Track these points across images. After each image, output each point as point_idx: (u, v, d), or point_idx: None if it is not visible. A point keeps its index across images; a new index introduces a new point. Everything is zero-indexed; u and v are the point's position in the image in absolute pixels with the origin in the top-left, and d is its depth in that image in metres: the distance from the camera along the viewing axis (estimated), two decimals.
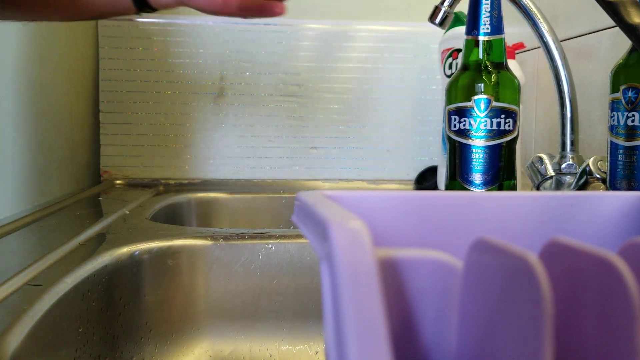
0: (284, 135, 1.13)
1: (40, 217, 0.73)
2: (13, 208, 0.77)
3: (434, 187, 1.01)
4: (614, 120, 0.56)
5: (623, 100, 0.54)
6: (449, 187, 0.62)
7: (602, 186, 0.62)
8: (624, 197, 0.31)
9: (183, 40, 1.11)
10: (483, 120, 0.59)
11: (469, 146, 0.59)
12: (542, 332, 0.19)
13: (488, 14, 0.59)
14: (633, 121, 0.54)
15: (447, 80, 0.64)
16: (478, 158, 0.59)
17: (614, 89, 0.56)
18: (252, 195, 1.03)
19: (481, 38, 0.60)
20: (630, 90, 0.54)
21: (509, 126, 0.59)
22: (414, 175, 1.12)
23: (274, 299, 0.63)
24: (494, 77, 0.60)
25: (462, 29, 0.64)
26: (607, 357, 0.21)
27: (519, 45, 0.96)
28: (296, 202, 0.29)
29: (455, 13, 0.78)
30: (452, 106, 0.61)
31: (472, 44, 0.60)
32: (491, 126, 0.59)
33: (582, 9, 0.83)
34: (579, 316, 0.22)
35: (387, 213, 0.30)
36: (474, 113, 0.59)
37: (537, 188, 0.71)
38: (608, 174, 0.57)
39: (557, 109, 0.71)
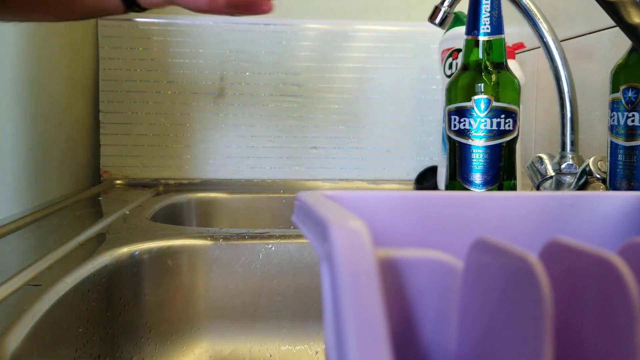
0: (284, 135, 1.13)
1: (40, 217, 0.73)
2: (13, 208, 0.77)
3: (434, 187, 1.01)
4: (614, 120, 0.56)
5: (623, 100, 0.54)
6: (449, 187, 0.62)
7: (602, 186, 0.62)
8: (624, 197, 0.31)
9: (183, 40, 1.11)
10: (483, 120, 0.59)
11: (469, 146, 0.59)
12: (542, 332, 0.19)
13: (488, 14, 0.59)
14: (633, 121, 0.54)
15: (447, 80, 0.64)
16: (478, 158, 0.59)
17: (614, 89, 0.56)
18: (252, 195, 1.03)
19: (481, 38, 0.60)
20: (630, 90, 0.54)
21: (509, 126, 0.59)
22: (414, 175, 1.12)
23: (274, 299, 0.63)
24: (494, 77, 0.60)
25: (462, 29, 0.64)
26: (607, 357, 0.21)
27: (519, 45, 0.96)
28: (296, 202, 0.29)
29: (455, 13, 0.78)
30: (452, 106, 0.61)
31: (472, 44, 0.60)
32: (491, 126, 0.59)
33: (582, 9, 0.83)
34: (579, 316, 0.22)
35: (387, 213, 0.30)
36: (474, 113, 0.59)
37: (537, 188, 0.71)
38: (608, 174, 0.57)
39: (557, 109, 0.71)
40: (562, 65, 0.69)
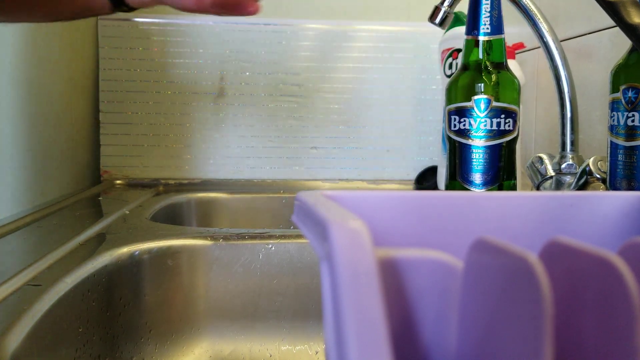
0: (284, 135, 1.13)
1: (40, 217, 0.73)
2: (13, 208, 0.77)
3: (434, 187, 1.01)
4: (614, 120, 0.56)
5: (623, 100, 0.54)
6: (449, 187, 0.62)
7: (602, 186, 0.62)
8: (624, 197, 0.31)
9: (183, 40, 1.11)
10: (483, 120, 0.59)
11: (469, 146, 0.59)
12: (542, 332, 0.19)
13: (488, 14, 0.59)
14: (633, 121, 0.54)
15: (447, 80, 0.64)
16: (478, 158, 0.59)
17: (614, 89, 0.56)
18: (252, 195, 1.03)
19: (481, 38, 0.60)
20: (630, 90, 0.54)
21: (509, 126, 0.59)
22: (414, 175, 1.12)
23: (274, 299, 0.63)
24: (494, 77, 0.60)
25: (462, 29, 0.64)
26: (607, 357, 0.21)
27: (519, 45, 0.96)
28: (296, 202, 0.29)
29: (455, 13, 0.78)
30: (452, 106, 0.61)
31: (472, 44, 0.60)
32: (491, 126, 0.59)
33: (582, 9, 0.83)
34: (579, 316, 0.22)
35: (387, 213, 0.30)
36: (474, 113, 0.59)
37: (537, 188, 0.71)
38: (608, 174, 0.57)
39: (557, 109, 0.71)
40: (562, 65, 0.69)
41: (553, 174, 0.70)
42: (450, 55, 0.92)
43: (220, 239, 0.62)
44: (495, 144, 0.59)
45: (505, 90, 0.60)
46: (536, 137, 0.99)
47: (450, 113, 0.61)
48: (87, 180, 1.08)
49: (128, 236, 0.62)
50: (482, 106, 0.59)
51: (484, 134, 0.59)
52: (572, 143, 0.70)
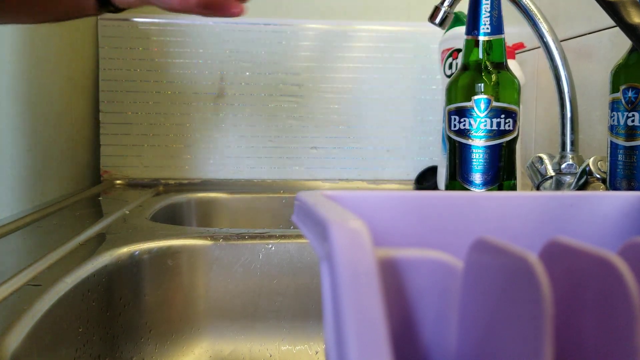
0: (284, 135, 1.13)
1: (40, 217, 0.73)
2: (13, 208, 0.77)
3: (434, 187, 1.01)
4: (614, 120, 0.56)
5: (623, 100, 0.54)
6: (449, 187, 0.62)
7: (602, 186, 0.62)
8: (624, 197, 0.31)
9: (183, 40, 1.11)
10: (483, 120, 0.59)
11: (469, 146, 0.59)
12: (542, 332, 0.19)
13: (488, 14, 0.59)
14: (633, 121, 0.54)
15: (447, 80, 0.64)
16: (478, 158, 0.59)
17: (614, 89, 0.56)
18: (252, 195, 1.03)
19: (481, 38, 0.60)
20: (630, 90, 0.54)
21: (509, 126, 0.59)
22: (414, 175, 1.12)
23: (274, 299, 0.63)
24: (494, 77, 0.60)
25: (462, 29, 0.64)
26: (607, 357, 0.21)
27: (519, 45, 0.96)
28: (296, 202, 0.29)
29: (455, 13, 0.78)
30: (452, 106, 0.61)
31: (472, 44, 0.60)
32: (491, 126, 0.59)
33: (582, 9, 0.83)
34: (579, 316, 0.22)
35: (387, 213, 0.30)
36: (474, 113, 0.59)
37: (537, 188, 0.71)
38: (608, 174, 0.57)
39: (557, 109, 0.71)
40: (562, 65, 0.69)
41: (553, 174, 0.70)
42: (450, 55, 0.92)
43: (220, 239, 0.62)
44: (495, 144, 0.59)
45: (505, 90, 0.60)
46: (536, 137, 0.99)
47: (450, 113, 0.61)
48: (87, 180, 1.08)
49: (128, 236, 0.62)
50: (482, 106, 0.59)
51: (484, 134, 0.59)
52: (572, 143, 0.70)
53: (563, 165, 0.69)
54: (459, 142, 0.60)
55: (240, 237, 0.63)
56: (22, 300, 0.42)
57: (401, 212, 0.30)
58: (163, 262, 0.60)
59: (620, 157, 0.55)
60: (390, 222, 0.30)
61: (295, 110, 1.13)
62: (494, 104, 0.59)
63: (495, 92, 0.59)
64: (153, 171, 1.11)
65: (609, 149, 0.57)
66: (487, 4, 0.59)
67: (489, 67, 0.60)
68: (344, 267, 0.20)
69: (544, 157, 0.72)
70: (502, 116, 0.59)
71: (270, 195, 1.03)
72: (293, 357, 0.62)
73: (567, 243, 0.23)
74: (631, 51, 0.55)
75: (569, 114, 0.70)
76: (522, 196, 0.31)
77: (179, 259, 0.61)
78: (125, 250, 0.58)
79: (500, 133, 0.59)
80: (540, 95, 0.97)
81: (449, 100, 0.61)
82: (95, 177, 1.11)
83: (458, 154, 0.60)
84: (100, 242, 0.61)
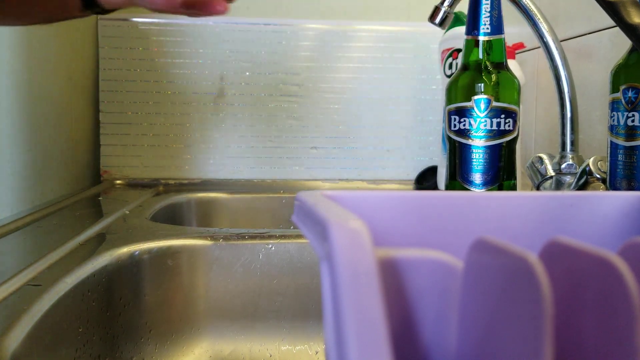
0: (284, 135, 1.13)
1: (40, 217, 0.73)
2: (13, 208, 0.77)
3: (434, 187, 1.01)
4: (614, 120, 0.56)
5: (623, 100, 0.54)
6: (449, 187, 0.62)
7: (602, 186, 0.62)
8: (624, 197, 0.31)
9: (183, 40, 1.11)
10: (483, 120, 0.59)
11: (469, 146, 0.59)
12: (542, 332, 0.19)
13: (488, 14, 0.59)
14: (633, 121, 0.54)
15: (447, 80, 0.64)
16: (478, 158, 0.59)
17: (614, 89, 0.56)
18: (252, 195, 1.03)
19: (481, 38, 0.60)
20: (630, 90, 0.54)
21: (509, 126, 0.59)
22: (414, 175, 1.12)
23: (274, 299, 0.63)
24: (494, 77, 0.60)
25: (462, 29, 0.64)
26: (607, 357, 0.21)
27: (519, 45, 0.96)
28: (296, 202, 0.29)
29: (455, 13, 0.78)
30: (452, 106, 0.61)
31: (472, 44, 0.60)
32: (491, 126, 0.59)
33: (582, 9, 0.83)
34: (579, 316, 0.22)
35: (387, 213, 0.30)
36: (474, 113, 0.59)
37: (537, 188, 0.71)
38: (608, 174, 0.57)
39: (557, 109, 0.71)
40: (562, 65, 0.69)
41: (553, 174, 0.70)
42: (450, 55, 0.92)
43: (220, 239, 0.62)
44: (495, 144, 0.59)
45: (505, 90, 0.60)
46: (536, 137, 0.99)
47: (450, 113, 0.61)
48: (87, 180, 1.08)
49: (128, 236, 0.62)
50: (482, 106, 0.59)
51: (484, 134, 0.59)
52: (572, 143, 0.70)
53: (563, 165, 0.69)
54: (459, 142, 0.60)
55: (240, 237, 0.63)
56: (22, 300, 0.42)
57: (401, 212, 0.30)
58: (163, 262, 0.60)
59: (620, 157, 0.55)
60: (390, 222, 0.30)
61: (295, 110, 1.13)
62: (494, 104, 0.59)
63: (495, 92, 0.59)
64: (153, 171, 1.11)
65: (609, 149, 0.57)
66: (487, 4, 0.59)
67: (489, 67, 0.60)
68: (344, 267, 0.20)
69: (544, 157, 0.72)
70: (502, 116, 0.59)
71: (270, 195, 1.03)
72: (293, 357, 0.62)
73: (567, 243, 0.23)
74: (631, 51, 0.55)
75: (569, 114, 0.70)
76: (522, 196, 0.31)
77: (179, 259, 0.61)
78: (125, 250, 0.58)
79: (500, 133, 0.59)
80: (540, 95, 0.97)
81: (449, 100, 0.61)
82: (95, 177, 1.11)
83: (458, 154, 0.60)
84: (100, 242, 0.61)
